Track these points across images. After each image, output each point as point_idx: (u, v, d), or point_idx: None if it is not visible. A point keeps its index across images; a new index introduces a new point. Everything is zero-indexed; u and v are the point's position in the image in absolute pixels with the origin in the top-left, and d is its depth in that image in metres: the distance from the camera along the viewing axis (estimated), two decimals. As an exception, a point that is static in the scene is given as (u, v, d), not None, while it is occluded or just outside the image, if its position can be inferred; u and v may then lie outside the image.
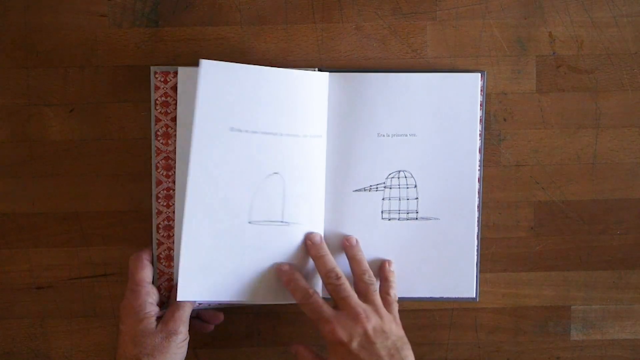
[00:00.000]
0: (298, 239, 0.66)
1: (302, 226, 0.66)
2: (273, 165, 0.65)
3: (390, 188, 0.67)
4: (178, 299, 0.62)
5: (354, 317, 0.59)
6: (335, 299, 0.61)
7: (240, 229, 0.64)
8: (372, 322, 0.59)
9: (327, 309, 0.60)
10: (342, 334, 0.58)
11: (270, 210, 0.65)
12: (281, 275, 0.64)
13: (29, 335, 0.71)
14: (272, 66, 0.66)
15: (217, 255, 0.64)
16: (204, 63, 0.62)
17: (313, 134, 0.66)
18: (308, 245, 0.65)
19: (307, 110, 0.65)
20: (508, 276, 0.71)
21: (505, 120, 0.70)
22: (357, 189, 0.67)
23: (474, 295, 0.68)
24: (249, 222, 0.65)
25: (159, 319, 0.61)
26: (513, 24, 0.69)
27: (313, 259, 0.64)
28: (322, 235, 0.67)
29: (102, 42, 0.68)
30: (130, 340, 0.59)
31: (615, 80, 0.70)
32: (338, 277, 0.62)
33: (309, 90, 0.65)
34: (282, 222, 0.66)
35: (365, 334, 0.58)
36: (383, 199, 0.67)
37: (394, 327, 0.61)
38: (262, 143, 0.64)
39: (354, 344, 0.58)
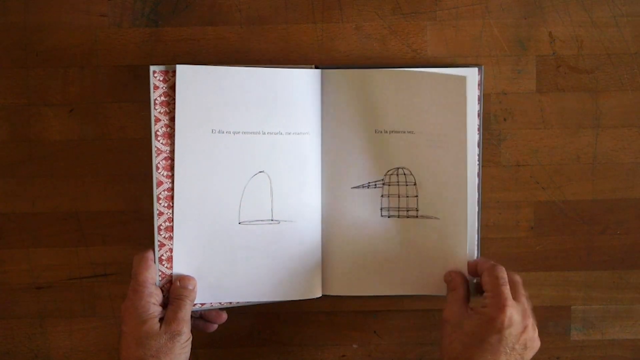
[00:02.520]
0: (290, 236, 0.66)
1: (294, 223, 0.66)
2: (258, 164, 0.65)
3: (389, 185, 0.67)
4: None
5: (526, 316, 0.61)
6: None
7: (230, 230, 0.65)
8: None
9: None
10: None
11: (259, 209, 0.65)
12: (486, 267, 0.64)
13: (29, 335, 0.71)
14: (272, 66, 0.66)
15: (209, 258, 0.65)
16: (180, 68, 0.63)
17: (298, 131, 0.66)
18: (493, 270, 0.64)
19: (290, 108, 0.65)
20: (508, 276, 0.71)
21: (505, 120, 0.70)
22: (355, 185, 0.67)
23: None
24: (239, 223, 0.65)
25: (161, 319, 0.61)
26: (513, 24, 0.69)
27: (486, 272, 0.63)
28: (320, 230, 0.67)
29: (102, 42, 0.68)
30: (134, 342, 0.59)
31: (615, 80, 0.70)
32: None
33: (292, 88, 0.65)
34: (272, 220, 0.66)
35: (524, 331, 0.60)
36: (382, 196, 0.67)
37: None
38: (245, 143, 0.65)
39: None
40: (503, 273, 0.61)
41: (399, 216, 0.67)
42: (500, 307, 0.58)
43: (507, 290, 0.60)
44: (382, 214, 0.67)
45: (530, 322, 0.60)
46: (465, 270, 0.66)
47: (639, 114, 0.70)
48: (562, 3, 0.69)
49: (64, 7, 0.68)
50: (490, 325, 0.58)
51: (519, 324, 0.59)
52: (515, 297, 0.60)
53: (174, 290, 0.63)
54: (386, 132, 0.67)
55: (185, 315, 0.62)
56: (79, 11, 0.68)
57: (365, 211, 0.67)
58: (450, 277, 0.65)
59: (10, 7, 0.68)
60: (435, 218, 0.67)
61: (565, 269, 0.71)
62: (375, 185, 0.67)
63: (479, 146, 0.67)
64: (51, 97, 0.69)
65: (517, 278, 0.62)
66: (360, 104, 0.66)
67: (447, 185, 0.66)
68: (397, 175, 0.67)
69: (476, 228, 0.68)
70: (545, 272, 0.71)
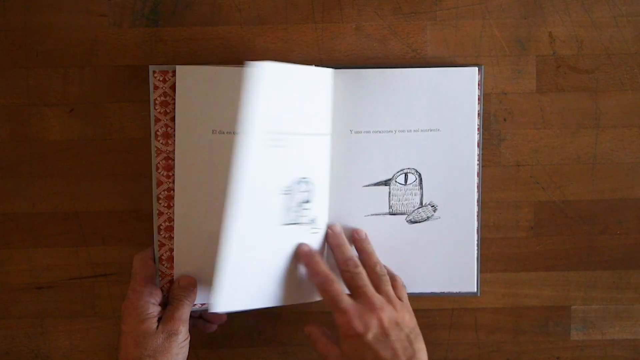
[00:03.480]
0: (294, 238, 0.66)
1: (297, 225, 0.66)
2: None
3: (396, 184, 0.67)
4: (214, 310, 0.59)
5: (370, 308, 0.59)
6: (351, 288, 0.61)
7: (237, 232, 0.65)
8: (387, 313, 0.59)
9: (345, 299, 0.60)
10: (358, 326, 0.58)
11: (266, 211, 0.65)
12: (300, 257, 0.64)
13: (29, 335, 0.71)
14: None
15: (210, 258, 0.64)
16: (180, 69, 0.63)
17: (307, 132, 0.66)
18: (328, 233, 0.65)
19: (293, 108, 0.65)
20: (508, 276, 0.71)
21: (505, 120, 0.70)
22: (366, 184, 0.67)
23: (475, 290, 0.68)
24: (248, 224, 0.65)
25: (160, 319, 0.61)
26: (513, 24, 0.69)
27: (331, 248, 0.65)
28: (325, 233, 0.67)
29: (102, 42, 0.68)
30: (132, 341, 0.59)
31: (615, 80, 0.70)
32: (356, 266, 0.62)
33: (295, 87, 0.65)
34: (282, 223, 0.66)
35: (381, 325, 0.58)
36: (389, 195, 0.67)
37: (408, 318, 0.60)
38: None
39: (369, 336, 0.58)
40: (332, 284, 0.61)
41: (406, 217, 0.68)
42: (342, 321, 0.58)
43: (342, 299, 0.59)
44: (390, 212, 0.67)
45: (383, 312, 0.59)
46: (472, 262, 0.67)
47: (639, 114, 0.70)
48: (562, 3, 0.69)
49: (64, 7, 0.68)
50: (345, 343, 0.58)
51: (372, 322, 0.58)
52: (354, 293, 0.60)
53: (173, 290, 0.63)
54: (367, 132, 0.67)
55: (183, 315, 0.62)
56: (79, 11, 0.68)
57: (372, 210, 0.67)
58: (309, 333, 0.63)
59: (10, 7, 0.68)
60: (437, 218, 0.68)
61: (565, 269, 0.71)
62: (385, 183, 0.67)
63: (479, 146, 0.68)
64: (51, 97, 0.69)
65: (379, 271, 0.62)
66: (360, 104, 0.66)
67: (451, 180, 0.67)
68: (404, 174, 0.67)
69: (476, 228, 0.68)
70: (545, 272, 0.71)
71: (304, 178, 0.64)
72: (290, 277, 0.65)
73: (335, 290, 0.60)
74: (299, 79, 0.64)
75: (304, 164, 0.64)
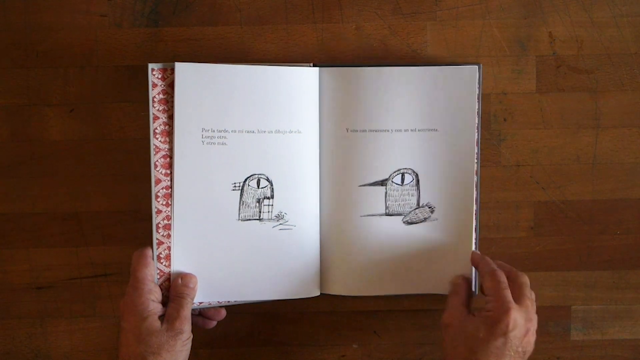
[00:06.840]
0: (289, 234, 0.66)
1: (293, 221, 0.66)
2: (257, 162, 0.65)
3: (392, 185, 0.67)
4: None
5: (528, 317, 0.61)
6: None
7: (229, 229, 0.65)
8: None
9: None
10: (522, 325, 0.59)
11: (258, 208, 0.65)
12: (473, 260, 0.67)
13: (29, 335, 0.71)
14: (271, 64, 0.66)
15: (208, 255, 0.65)
16: (179, 66, 0.63)
17: (297, 129, 0.66)
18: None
19: (290, 106, 0.65)
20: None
21: (505, 120, 0.70)
22: (362, 184, 0.67)
23: (473, 289, 0.68)
24: (238, 221, 0.65)
25: (160, 317, 0.61)
26: (513, 24, 0.69)
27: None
28: (319, 229, 0.67)
29: (102, 42, 0.68)
30: (134, 338, 0.59)
31: (615, 80, 0.70)
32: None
33: (291, 86, 0.65)
34: (271, 218, 0.66)
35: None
36: (385, 195, 0.67)
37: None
38: (244, 141, 0.65)
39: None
40: (503, 277, 0.61)
41: (403, 218, 0.67)
42: (505, 310, 0.58)
43: (508, 294, 0.60)
44: (386, 213, 0.67)
45: (533, 326, 0.60)
46: (468, 265, 0.67)
47: (639, 114, 0.70)
48: (562, 3, 0.69)
49: (64, 7, 0.68)
50: (496, 328, 0.58)
51: (522, 327, 0.59)
52: (519, 299, 0.60)
53: (175, 288, 0.63)
54: (364, 130, 0.67)
55: (188, 313, 0.62)
56: (79, 11, 0.68)
57: (370, 210, 0.67)
58: (457, 282, 0.65)
59: (10, 7, 0.68)
60: (434, 219, 0.67)
61: (565, 269, 0.71)
62: (381, 183, 0.67)
63: (477, 145, 0.67)
64: (51, 97, 0.69)
65: (524, 279, 0.62)
66: (358, 102, 0.66)
67: (450, 179, 0.67)
68: (401, 175, 0.67)
69: (474, 228, 0.68)
70: (545, 272, 0.71)
71: (260, 174, 0.65)
72: (264, 273, 0.66)
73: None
74: (275, 78, 0.65)
75: (259, 161, 0.65)
